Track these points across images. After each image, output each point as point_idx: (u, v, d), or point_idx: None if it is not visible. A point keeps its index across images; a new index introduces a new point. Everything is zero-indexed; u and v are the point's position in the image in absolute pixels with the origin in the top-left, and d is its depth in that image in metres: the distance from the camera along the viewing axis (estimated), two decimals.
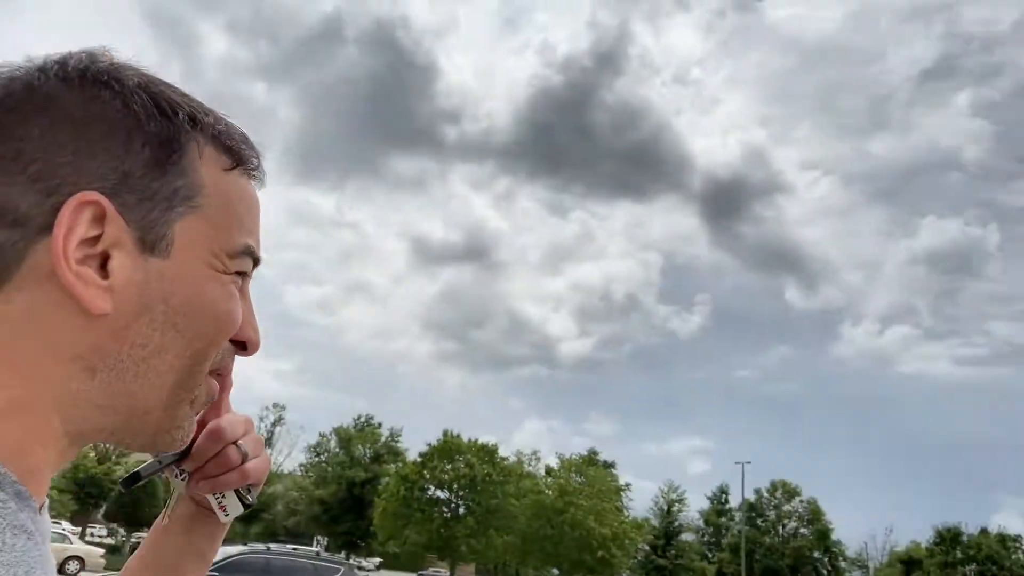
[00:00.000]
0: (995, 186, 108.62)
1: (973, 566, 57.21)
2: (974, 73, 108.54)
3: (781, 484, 61.42)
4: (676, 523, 54.33)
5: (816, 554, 58.17)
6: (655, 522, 52.65)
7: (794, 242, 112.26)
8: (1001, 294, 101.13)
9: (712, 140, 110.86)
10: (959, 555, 58.01)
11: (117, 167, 0.44)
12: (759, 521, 60.07)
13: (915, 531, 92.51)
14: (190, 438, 0.51)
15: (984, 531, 59.43)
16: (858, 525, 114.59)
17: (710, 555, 58.65)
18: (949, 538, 59.20)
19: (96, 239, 0.43)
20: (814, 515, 59.20)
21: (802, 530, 59.60)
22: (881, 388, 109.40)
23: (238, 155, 0.50)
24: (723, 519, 61.44)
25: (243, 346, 0.52)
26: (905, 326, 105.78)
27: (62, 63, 0.46)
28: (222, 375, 0.53)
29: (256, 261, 0.51)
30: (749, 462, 46.93)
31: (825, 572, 58.02)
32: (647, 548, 49.42)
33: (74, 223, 0.42)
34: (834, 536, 58.83)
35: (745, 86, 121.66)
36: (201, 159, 0.48)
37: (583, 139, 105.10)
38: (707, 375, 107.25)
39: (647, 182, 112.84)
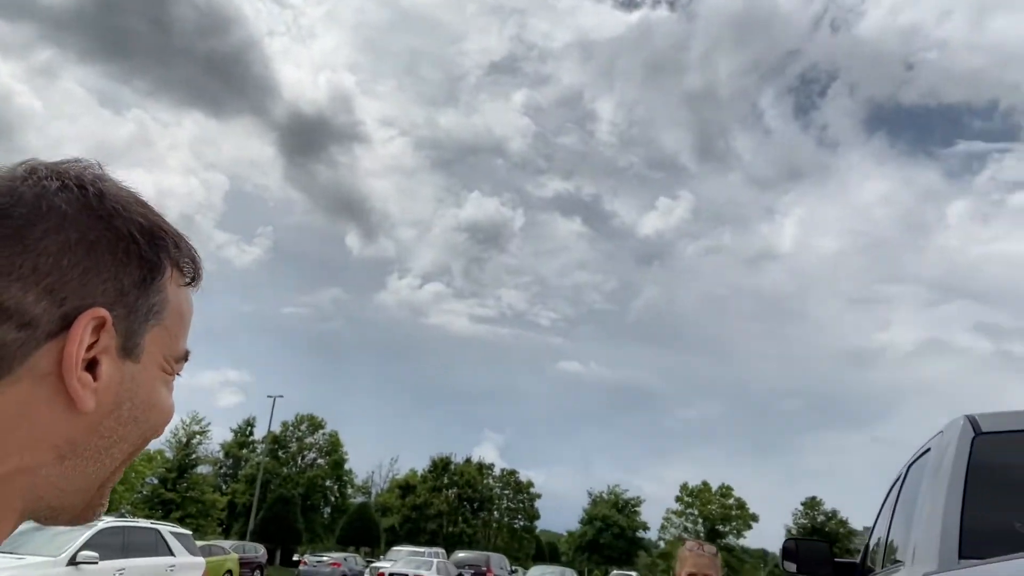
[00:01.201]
0: (527, 177, 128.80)
1: (455, 489, 67.97)
2: (530, 77, 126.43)
3: (308, 417, 63.79)
4: (194, 455, 52.11)
5: (328, 482, 62.22)
6: (170, 455, 49.67)
7: (363, 192, 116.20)
8: (514, 267, 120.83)
9: (302, 73, 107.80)
10: (446, 480, 68.31)
11: (115, 285, 0.51)
12: (280, 453, 61.50)
13: (417, 461, 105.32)
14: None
15: (468, 460, 70.98)
16: (371, 456, 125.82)
17: (225, 487, 57.97)
18: (441, 466, 69.20)
19: (91, 345, 0.49)
20: (333, 447, 63.06)
21: (320, 461, 63.01)
22: (410, 336, 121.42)
23: (192, 274, 0.58)
24: (245, 451, 61.26)
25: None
26: (440, 284, 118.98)
27: (80, 184, 0.51)
28: None
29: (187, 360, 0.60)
30: (282, 396, 47.46)
31: (333, 499, 62.53)
32: (156, 481, 46.32)
33: (84, 334, 0.48)
34: (347, 466, 63.74)
35: (342, 28, 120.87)
36: (171, 279, 0.55)
37: (159, 31, 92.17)
38: (256, 309, 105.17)
39: (225, 98, 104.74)
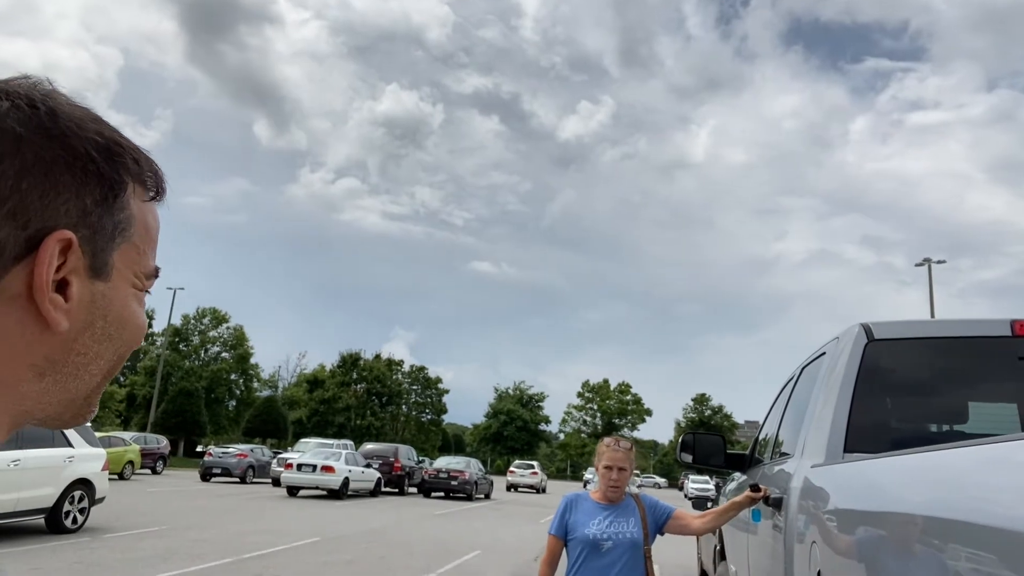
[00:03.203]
0: (447, 71, 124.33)
1: (364, 384, 68.67)
2: None
3: (211, 311, 62.03)
4: None
5: (234, 376, 61.42)
6: None
7: (274, 78, 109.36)
8: (430, 165, 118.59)
9: None
10: (355, 376, 68.80)
11: (77, 205, 0.51)
12: (182, 346, 59.95)
13: (326, 356, 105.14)
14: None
15: (377, 356, 71.53)
16: (279, 350, 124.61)
17: (122, 379, 56.35)
18: (350, 361, 69.45)
19: (60, 267, 0.50)
20: (238, 340, 61.91)
21: (224, 354, 61.88)
22: (321, 232, 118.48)
23: (155, 188, 0.58)
24: (144, 343, 59.21)
25: None
26: (354, 179, 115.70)
27: (31, 104, 0.51)
28: None
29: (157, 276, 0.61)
30: (183, 288, 45.53)
31: (239, 392, 61.96)
32: None
33: (51, 257, 0.49)
34: (253, 360, 62.88)
35: None
36: (133, 194, 0.55)
37: None
38: None
39: None
